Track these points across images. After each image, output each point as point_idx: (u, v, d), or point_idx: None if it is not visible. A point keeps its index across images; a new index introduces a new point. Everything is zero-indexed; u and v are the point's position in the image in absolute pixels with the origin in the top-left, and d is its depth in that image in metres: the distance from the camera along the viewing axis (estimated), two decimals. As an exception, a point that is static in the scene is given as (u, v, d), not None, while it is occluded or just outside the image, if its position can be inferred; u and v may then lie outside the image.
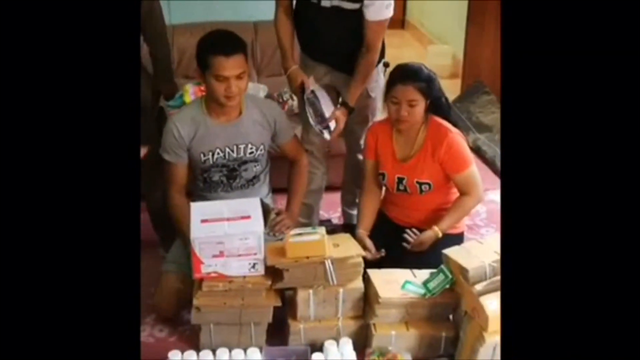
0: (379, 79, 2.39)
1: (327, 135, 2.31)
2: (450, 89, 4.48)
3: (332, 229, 2.55)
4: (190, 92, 2.92)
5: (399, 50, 6.22)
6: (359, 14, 2.19)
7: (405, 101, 2.10)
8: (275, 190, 2.43)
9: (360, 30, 2.22)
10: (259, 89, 3.09)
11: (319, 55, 2.40)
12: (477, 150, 3.44)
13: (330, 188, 2.72)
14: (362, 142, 2.48)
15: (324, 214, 2.85)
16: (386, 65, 2.44)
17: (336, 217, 2.89)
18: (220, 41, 2.04)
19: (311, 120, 2.27)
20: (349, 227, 2.60)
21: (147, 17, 2.25)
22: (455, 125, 2.25)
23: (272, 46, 3.23)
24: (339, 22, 2.23)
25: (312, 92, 2.29)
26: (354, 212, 2.64)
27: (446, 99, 2.28)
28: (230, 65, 1.99)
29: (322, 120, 2.29)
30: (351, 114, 2.33)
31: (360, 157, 2.50)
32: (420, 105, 2.12)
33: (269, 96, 3.09)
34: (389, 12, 2.20)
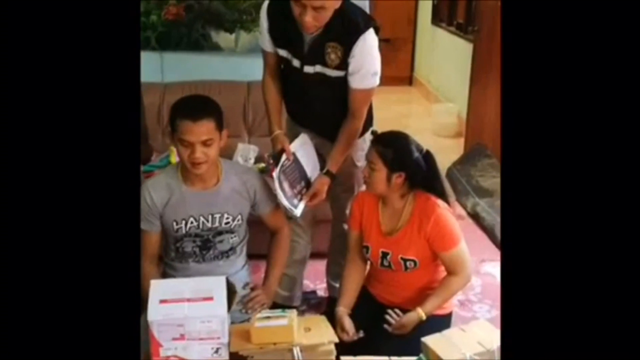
0: (366, 147, 2.29)
1: (297, 212, 2.19)
2: (455, 149, 4.39)
3: (316, 302, 2.42)
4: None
5: (407, 106, 6.21)
6: (343, 81, 2.12)
7: (368, 161, 2.06)
8: (253, 256, 2.30)
9: (346, 97, 2.14)
10: (249, 150, 3.03)
11: (304, 121, 2.34)
12: (475, 217, 3.30)
13: (316, 255, 2.59)
14: (347, 211, 2.37)
15: (309, 284, 2.72)
16: (374, 133, 2.36)
17: (322, 288, 2.75)
18: (189, 105, 1.97)
19: (281, 196, 2.15)
20: (333, 301, 2.46)
21: None
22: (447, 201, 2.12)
23: (264, 106, 3.18)
24: (323, 88, 2.17)
25: (293, 155, 2.19)
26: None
27: (440, 180, 2.12)
28: (196, 131, 1.90)
29: (303, 182, 2.19)
30: (333, 181, 2.24)
31: (346, 226, 2.39)
32: (380, 171, 2.02)
33: (259, 157, 3.02)
34: (374, 81, 2.13)
